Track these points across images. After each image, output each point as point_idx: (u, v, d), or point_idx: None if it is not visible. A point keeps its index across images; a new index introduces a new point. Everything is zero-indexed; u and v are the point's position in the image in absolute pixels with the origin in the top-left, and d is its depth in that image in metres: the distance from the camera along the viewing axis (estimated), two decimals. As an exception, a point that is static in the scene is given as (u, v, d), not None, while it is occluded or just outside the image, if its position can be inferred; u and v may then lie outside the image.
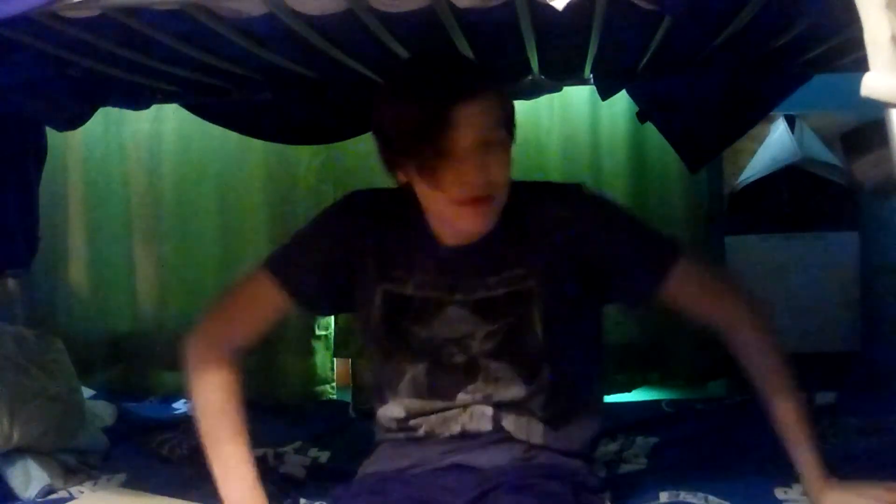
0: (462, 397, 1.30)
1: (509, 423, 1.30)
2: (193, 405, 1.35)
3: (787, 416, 1.26)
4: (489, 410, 1.29)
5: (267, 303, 1.36)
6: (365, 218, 1.33)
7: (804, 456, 1.25)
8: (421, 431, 1.32)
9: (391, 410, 1.34)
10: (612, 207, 1.40)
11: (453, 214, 1.21)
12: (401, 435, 1.34)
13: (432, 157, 1.15)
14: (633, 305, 1.41)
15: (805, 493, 1.29)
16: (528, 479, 1.23)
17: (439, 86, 1.16)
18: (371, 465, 1.36)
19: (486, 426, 1.29)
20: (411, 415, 1.32)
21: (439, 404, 1.31)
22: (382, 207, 1.33)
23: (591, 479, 1.35)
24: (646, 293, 1.31)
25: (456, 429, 1.30)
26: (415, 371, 1.31)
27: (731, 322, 1.31)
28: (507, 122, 1.21)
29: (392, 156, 1.21)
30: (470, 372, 1.30)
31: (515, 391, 1.29)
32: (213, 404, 1.33)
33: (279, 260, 1.37)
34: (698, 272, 1.33)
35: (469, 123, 1.14)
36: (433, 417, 1.31)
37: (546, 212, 1.29)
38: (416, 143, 1.15)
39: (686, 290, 1.30)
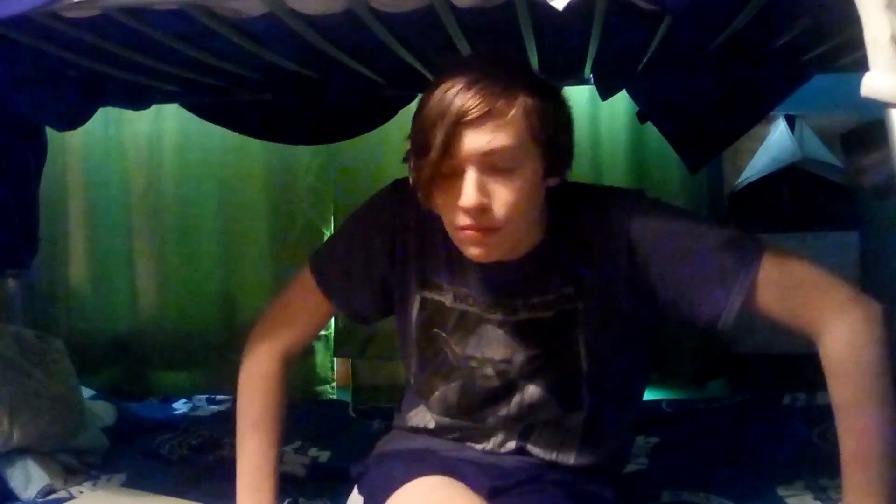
0: (491, 421, 1.24)
1: (536, 449, 1.24)
2: (237, 406, 1.32)
3: (848, 457, 1.06)
4: (513, 443, 1.24)
5: (310, 305, 1.32)
6: (411, 209, 1.20)
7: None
8: (442, 437, 1.28)
9: (420, 417, 1.30)
10: (678, 215, 1.20)
11: (455, 239, 1.11)
12: (420, 426, 1.30)
13: (425, 169, 1.04)
14: (710, 325, 1.13)
15: None
16: (537, 484, 1.19)
17: (453, 91, 1.03)
18: (390, 444, 1.32)
19: (509, 450, 1.24)
20: (439, 429, 1.28)
21: (466, 424, 1.26)
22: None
23: (606, 490, 1.27)
24: (724, 311, 1.11)
25: (478, 447, 1.26)
26: (447, 388, 1.24)
27: (818, 331, 1.09)
28: (536, 143, 1.06)
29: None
30: (504, 396, 1.21)
31: (548, 413, 1.22)
32: (250, 413, 1.30)
33: (322, 260, 1.31)
34: (784, 274, 1.12)
35: (467, 139, 1.02)
36: (457, 433, 1.27)
37: (603, 221, 1.15)
38: (415, 151, 1.06)
39: (771, 298, 1.11)
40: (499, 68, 1.07)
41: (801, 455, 1.59)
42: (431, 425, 1.28)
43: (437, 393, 1.26)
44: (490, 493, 1.13)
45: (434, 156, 1.03)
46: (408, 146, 1.09)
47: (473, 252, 1.10)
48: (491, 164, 1.04)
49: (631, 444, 1.39)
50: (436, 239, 1.21)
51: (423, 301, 1.24)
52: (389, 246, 1.25)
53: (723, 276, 1.11)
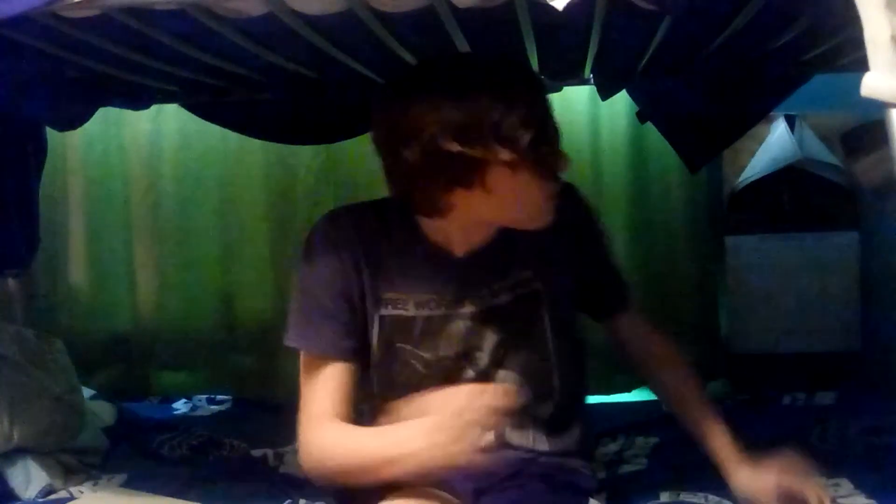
0: None
1: (513, 435, 1.26)
2: (335, 464, 1.17)
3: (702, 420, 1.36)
4: (491, 433, 1.23)
5: (334, 376, 1.21)
6: (350, 238, 1.22)
7: (719, 441, 1.34)
8: None
9: None
10: (597, 216, 1.41)
11: (535, 214, 1.18)
12: None
13: (544, 144, 1.13)
14: (593, 317, 1.44)
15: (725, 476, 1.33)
16: (518, 479, 1.21)
17: (525, 73, 1.20)
18: None
19: (488, 441, 1.22)
20: None
21: None
22: (366, 224, 1.23)
23: (586, 479, 1.32)
24: (605, 313, 1.41)
25: None
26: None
27: (660, 361, 1.41)
28: None
29: (488, 164, 1.09)
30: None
31: (522, 400, 1.22)
32: (343, 443, 1.17)
33: (303, 331, 1.22)
34: (640, 316, 1.43)
35: (537, 107, 1.16)
36: None
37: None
38: (539, 135, 1.11)
39: (629, 329, 1.41)
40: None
41: (799, 455, 1.59)
42: None
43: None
44: (474, 494, 1.15)
45: (548, 129, 1.15)
46: (445, 146, 1.08)
47: (550, 217, 1.19)
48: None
49: (593, 428, 1.45)
50: (385, 255, 1.22)
51: (382, 319, 1.22)
52: (343, 280, 1.21)
53: (609, 289, 1.39)
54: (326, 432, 1.17)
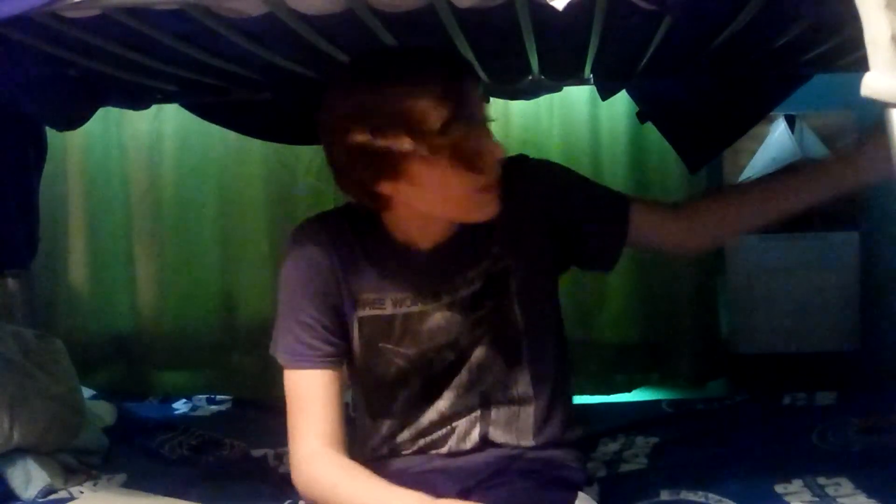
0: (449, 396, 1.25)
1: (497, 432, 1.26)
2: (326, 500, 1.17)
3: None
4: (476, 429, 1.26)
5: (322, 388, 1.21)
6: (322, 249, 1.23)
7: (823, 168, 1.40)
8: (408, 451, 1.28)
9: (380, 441, 1.29)
10: (562, 169, 1.36)
11: (469, 207, 1.16)
12: (385, 450, 1.29)
13: (463, 137, 1.09)
14: (604, 264, 1.34)
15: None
16: (503, 477, 1.21)
17: (444, 64, 1.12)
18: None
19: (473, 442, 1.26)
20: (400, 443, 1.28)
21: (426, 425, 1.26)
22: (336, 230, 1.25)
23: (575, 472, 1.30)
24: (616, 246, 1.30)
25: (444, 450, 1.27)
26: (408, 390, 1.26)
27: (710, 199, 1.42)
28: None
29: (403, 155, 1.09)
30: (457, 366, 1.25)
31: (498, 374, 1.25)
32: (335, 489, 1.16)
33: (288, 343, 1.22)
34: (651, 204, 1.37)
35: (475, 96, 1.13)
36: (421, 441, 1.28)
37: (507, 188, 1.20)
38: (448, 125, 1.08)
39: (651, 223, 1.31)
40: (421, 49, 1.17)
41: (800, 455, 1.59)
42: (395, 441, 1.28)
43: (399, 399, 1.27)
44: (459, 495, 1.15)
45: (466, 122, 1.10)
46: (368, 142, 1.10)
47: (492, 210, 1.17)
48: (485, 115, 1.15)
49: (575, 418, 1.38)
50: (358, 257, 1.23)
51: (361, 321, 1.24)
52: (322, 287, 1.23)
53: (608, 219, 1.29)
54: (321, 468, 1.18)
